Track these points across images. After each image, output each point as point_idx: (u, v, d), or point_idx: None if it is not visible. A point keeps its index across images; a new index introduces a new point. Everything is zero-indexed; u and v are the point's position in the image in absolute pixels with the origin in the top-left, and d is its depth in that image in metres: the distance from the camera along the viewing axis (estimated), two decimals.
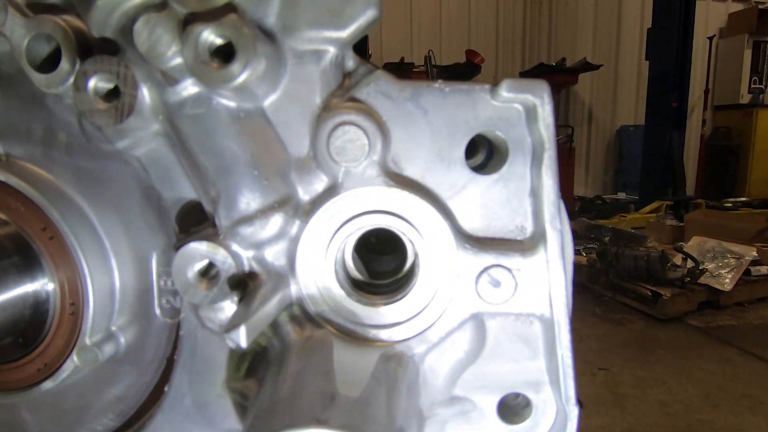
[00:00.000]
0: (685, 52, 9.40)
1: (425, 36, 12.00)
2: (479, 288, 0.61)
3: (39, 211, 0.71)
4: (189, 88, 0.57)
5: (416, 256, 0.64)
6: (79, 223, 0.72)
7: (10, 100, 0.73)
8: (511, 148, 0.62)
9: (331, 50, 0.60)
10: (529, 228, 0.63)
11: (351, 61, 0.63)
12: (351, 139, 0.58)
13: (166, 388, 0.71)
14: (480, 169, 0.66)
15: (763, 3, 11.74)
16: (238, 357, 0.67)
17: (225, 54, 0.53)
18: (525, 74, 12.31)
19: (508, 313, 0.64)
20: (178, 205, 0.65)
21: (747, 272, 6.42)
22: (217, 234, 0.60)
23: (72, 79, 0.64)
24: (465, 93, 0.60)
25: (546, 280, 0.61)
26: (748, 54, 11.29)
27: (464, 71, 11.17)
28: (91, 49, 0.65)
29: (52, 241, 0.71)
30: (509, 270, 0.61)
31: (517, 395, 0.68)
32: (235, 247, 0.59)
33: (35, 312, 0.73)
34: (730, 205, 9.77)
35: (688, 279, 6.24)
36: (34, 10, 0.66)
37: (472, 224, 0.64)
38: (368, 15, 0.58)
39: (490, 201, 0.63)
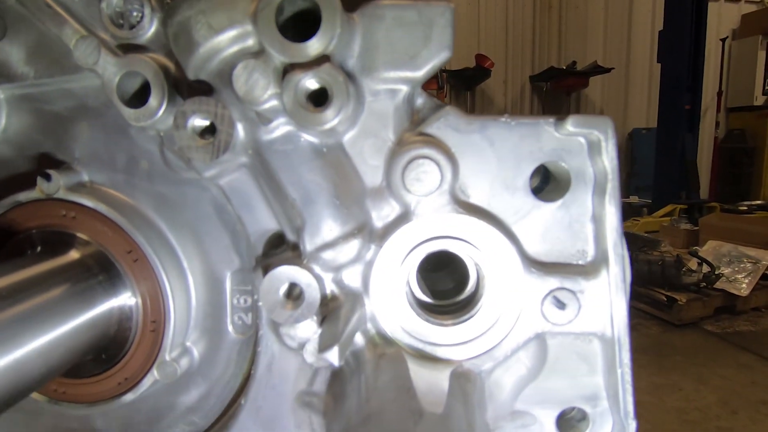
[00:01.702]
0: (697, 54, 9.34)
1: None
2: (544, 309, 0.65)
3: (124, 233, 0.76)
4: (281, 127, 0.62)
5: (481, 278, 0.68)
6: (161, 245, 0.77)
7: (95, 131, 0.79)
8: (573, 177, 0.66)
9: (405, 89, 0.65)
10: (591, 252, 0.67)
11: (420, 98, 0.67)
12: (425, 171, 0.63)
13: (242, 401, 0.75)
14: (536, 193, 0.70)
15: None
16: (312, 372, 0.72)
17: (316, 97, 0.58)
18: (535, 78, 12.32)
19: (569, 332, 0.68)
20: (265, 236, 0.70)
21: (764, 277, 6.35)
22: (300, 257, 0.65)
23: (160, 113, 0.69)
24: (530, 126, 0.65)
25: (607, 301, 0.65)
26: (761, 55, 11.20)
27: (474, 75, 11.19)
28: (179, 86, 0.70)
29: (136, 263, 0.77)
30: (573, 292, 0.65)
31: (574, 409, 0.72)
32: (317, 270, 0.64)
33: (120, 328, 0.78)
34: (745, 208, 9.67)
35: (704, 284, 6.19)
36: (124, 49, 0.72)
37: (535, 248, 0.68)
38: (442, 56, 0.62)
39: (553, 226, 0.67)
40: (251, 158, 0.65)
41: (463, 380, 0.64)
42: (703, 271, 6.27)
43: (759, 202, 10.56)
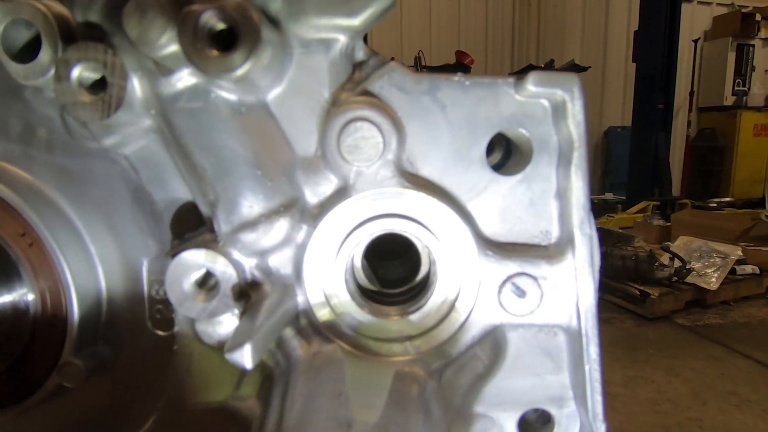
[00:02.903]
0: (671, 54, 9.52)
1: (415, 37, 11.98)
2: (502, 298, 0.57)
3: (16, 214, 0.64)
4: (185, 78, 0.51)
5: (432, 263, 0.59)
6: (62, 227, 0.66)
7: None
8: (535, 147, 0.57)
9: (341, 39, 0.55)
10: (555, 233, 0.59)
11: (361, 52, 0.58)
12: (364, 137, 0.53)
13: (160, 408, 0.65)
14: (496, 170, 0.61)
15: (746, 7, 11.96)
16: (238, 374, 0.62)
17: (225, 40, 0.48)
18: (514, 75, 12.35)
19: (531, 324, 0.59)
20: (172, 207, 0.59)
21: (732, 271, 6.52)
22: (216, 240, 0.55)
23: (53, 70, 0.57)
24: (487, 87, 0.56)
25: (573, 289, 0.57)
26: (731, 57, 11.49)
27: (454, 72, 11.15)
28: (75, 36, 0.58)
29: (31, 247, 0.65)
30: (535, 278, 0.56)
31: (538, 411, 0.64)
32: (236, 254, 0.54)
33: (13, 326, 0.66)
34: (714, 205, 9.93)
35: (676, 278, 6.31)
36: None
37: (492, 229, 0.59)
38: (383, 1, 0.53)
39: (513, 204, 0.58)
40: (156, 120, 0.54)
41: (409, 381, 0.55)
42: (675, 266, 6.39)
43: (728, 199, 10.88)
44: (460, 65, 11.05)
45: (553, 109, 0.56)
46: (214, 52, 0.46)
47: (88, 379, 0.68)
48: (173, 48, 0.48)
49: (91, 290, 0.68)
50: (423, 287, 0.61)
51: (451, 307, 0.58)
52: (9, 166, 0.67)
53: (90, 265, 0.68)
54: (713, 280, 6.33)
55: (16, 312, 0.66)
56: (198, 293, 0.52)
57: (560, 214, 0.58)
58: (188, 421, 0.64)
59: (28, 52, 0.60)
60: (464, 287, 0.58)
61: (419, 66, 10.46)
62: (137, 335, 0.70)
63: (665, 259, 6.54)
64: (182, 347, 0.62)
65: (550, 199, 0.58)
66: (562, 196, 0.57)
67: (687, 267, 6.36)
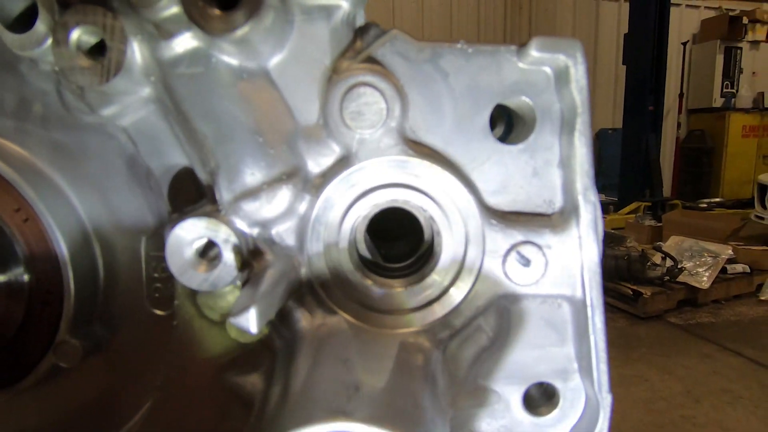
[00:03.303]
0: (660, 57, 9.64)
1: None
2: (507, 267, 0.56)
3: (11, 189, 0.63)
4: (186, 42, 0.50)
5: (436, 234, 0.59)
6: (58, 203, 0.65)
7: None
8: (538, 115, 0.57)
9: (344, 6, 0.54)
10: (558, 202, 0.58)
11: (362, 19, 0.57)
12: (367, 103, 0.53)
13: (160, 387, 0.63)
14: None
15: (733, 10, 12.17)
16: (240, 349, 0.61)
17: (226, 3, 0.47)
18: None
19: (535, 294, 0.59)
20: (169, 174, 0.58)
21: (723, 270, 6.59)
22: (218, 210, 0.54)
23: (50, 40, 0.56)
24: (489, 54, 0.56)
25: (578, 258, 0.57)
26: (720, 59, 11.67)
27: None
28: (71, 4, 0.57)
29: (26, 223, 0.63)
30: (539, 247, 0.56)
31: (543, 384, 0.63)
32: (238, 223, 0.53)
33: (7, 304, 0.65)
34: (705, 205, 10.04)
35: (668, 278, 6.37)
36: None
37: (496, 198, 0.59)
38: None
39: (516, 173, 0.58)
40: (156, 88, 0.54)
41: (414, 351, 0.55)
42: (667, 266, 6.45)
43: (718, 199, 11.01)
44: None
45: (555, 76, 0.56)
46: (216, 11, 0.45)
47: (84, 360, 0.67)
48: (174, 10, 0.47)
49: (88, 268, 0.67)
50: (427, 259, 0.61)
51: (455, 277, 0.58)
52: (4, 141, 0.66)
53: (86, 242, 0.66)
54: (704, 279, 6.40)
55: (11, 290, 0.65)
56: (199, 263, 0.51)
57: (563, 183, 0.58)
58: (188, 399, 0.63)
59: (22, 23, 0.59)
60: (468, 257, 0.57)
61: None
62: (135, 314, 0.69)
63: (657, 258, 6.59)
64: (182, 322, 0.61)
65: (554, 168, 0.58)
66: (566, 164, 0.57)
67: (679, 266, 6.42)
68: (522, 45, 0.55)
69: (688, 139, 12.28)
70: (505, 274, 0.57)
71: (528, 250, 0.56)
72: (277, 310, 0.52)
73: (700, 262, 6.70)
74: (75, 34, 0.49)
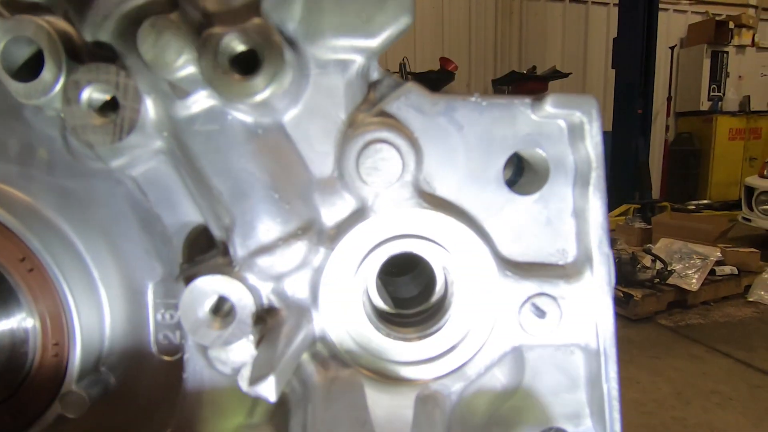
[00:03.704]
0: (648, 61, 9.76)
1: (399, 43, 12.04)
2: (522, 319, 0.57)
3: (16, 239, 0.62)
4: (201, 101, 0.49)
5: (450, 284, 0.59)
6: (64, 251, 0.63)
7: None
8: (551, 166, 0.57)
9: (358, 60, 0.54)
10: (572, 251, 0.59)
11: (376, 72, 0.57)
12: (384, 158, 0.53)
13: None
14: (509, 186, 0.61)
15: (720, 15, 12.37)
16: (251, 400, 0.60)
17: (244, 63, 0.47)
18: (497, 82, 12.54)
19: (549, 344, 0.59)
20: (183, 231, 0.58)
21: (712, 272, 6.67)
22: (230, 265, 0.53)
23: (56, 89, 0.55)
24: (504, 107, 0.56)
25: (591, 308, 0.57)
26: (706, 63, 11.85)
27: (439, 78, 11.27)
28: (80, 55, 0.56)
29: (31, 273, 0.62)
30: (554, 299, 0.56)
31: (552, 429, 0.64)
32: (252, 279, 0.53)
33: (12, 354, 0.63)
34: (693, 207, 10.19)
35: (658, 280, 6.43)
36: (11, 9, 0.57)
37: (510, 248, 0.59)
38: (401, 22, 0.52)
39: (529, 223, 0.58)
40: (168, 142, 0.53)
41: (431, 405, 0.55)
42: (657, 268, 6.52)
43: (706, 201, 11.18)
44: (445, 71, 11.15)
45: (569, 130, 0.56)
46: (236, 76, 0.44)
47: (91, 408, 0.66)
48: (190, 70, 0.46)
49: (94, 316, 0.65)
50: (440, 308, 0.60)
51: (471, 327, 0.58)
52: (8, 188, 0.64)
53: (93, 289, 0.65)
54: (694, 281, 6.48)
55: (15, 340, 0.63)
56: (213, 320, 0.51)
57: (577, 233, 0.58)
58: None
59: (28, 70, 0.57)
60: (483, 308, 0.57)
61: (404, 72, 10.53)
62: (142, 361, 0.68)
63: (647, 261, 6.66)
64: (192, 374, 0.60)
65: (567, 217, 0.58)
66: (579, 215, 0.57)
67: (668, 269, 6.50)
68: (536, 99, 0.55)
69: (677, 142, 12.45)
70: (520, 325, 0.57)
71: (543, 302, 0.56)
72: (294, 368, 0.51)
73: (689, 264, 6.79)
74: (86, 93, 0.49)
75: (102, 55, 0.51)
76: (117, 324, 0.67)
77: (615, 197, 10.27)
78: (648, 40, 9.76)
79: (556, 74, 12.01)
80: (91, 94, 0.49)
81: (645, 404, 4.75)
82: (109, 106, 0.50)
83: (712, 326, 6.19)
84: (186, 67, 0.46)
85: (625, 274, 6.37)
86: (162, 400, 0.69)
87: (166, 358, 0.68)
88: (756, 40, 12.10)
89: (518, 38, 13.22)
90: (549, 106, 0.54)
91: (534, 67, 12.46)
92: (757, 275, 6.70)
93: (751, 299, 6.66)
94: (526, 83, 11.99)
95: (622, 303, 6.25)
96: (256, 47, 0.44)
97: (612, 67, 10.68)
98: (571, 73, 12.15)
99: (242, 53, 0.46)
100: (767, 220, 8.06)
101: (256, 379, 0.44)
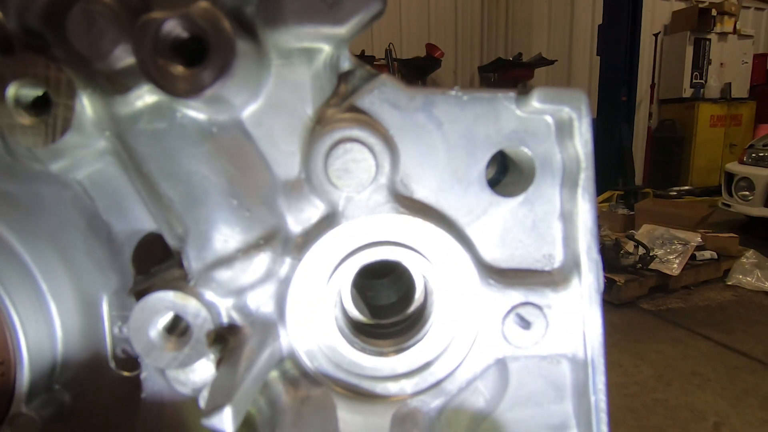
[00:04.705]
0: (633, 48, 9.79)
1: (385, 29, 11.90)
2: (506, 330, 0.53)
3: None
4: (145, 96, 0.44)
5: (429, 293, 0.55)
6: (5, 262, 0.57)
7: None
8: (538, 166, 0.53)
9: (326, 49, 0.49)
10: (559, 256, 0.55)
11: (347, 62, 0.52)
12: (355, 159, 0.48)
13: None
14: (492, 186, 0.57)
15: (703, 2, 12.42)
16: None
17: (190, 51, 0.41)
18: (483, 68, 12.48)
19: (534, 354, 0.55)
20: (134, 239, 0.52)
21: (693, 257, 6.81)
22: (186, 279, 0.48)
23: None
24: (486, 102, 0.51)
25: (579, 317, 0.54)
26: (689, 50, 11.93)
27: (425, 65, 11.16)
28: (9, 44, 0.50)
29: None
30: (540, 308, 0.52)
31: None
32: (209, 295, 0.48)
33: None
34: (675, 193, 10.35)
35: (640, 265, 6.54)
36: None
37: (493, 254, 0.55)
38: (372, 7, 0.47)
39: (514, 227, 0.54)
40: (113, 143, 0.47)
41: (409, 424, 0.51)
42: (639, 254, 6.62)
43: (687, 187, 11.37)
44: (431, 58, 11.04)
45: (557, 127, 0.52)
46: (179, 68, 0.39)
47: (44, 429, 0.61)
48: (129, 61, 0.40)
49: (44, 331, 0.60)
50: (419, 318, 0.56)
51: (451, 340, 0.54)
52: None
53: (41, 303, 0.59)
54: (675, 266, 6.60)
55: None
56: (167, 341, 0.46)
57: (564, 237, 0.54)
58: None
59: None
60: (465, 319, 0.53)
61: (390, 59, 10.39)
62: (99, 377, 0.63)
63: (630, 246, 6.76)
64: (150, 394, 0.55)
65: (554, 221, 0.54)
66: (567, 218, 0.53)
67: (650, 254, 6.60)
68: (521, 93, 0.51)
69: (659, 129, 12.58)
70: (504, 336, 0.53)
71: (528, 312, 0.52)
72: (257, 392, 0.47)
73: (671, 249, 6.90)
74: (12, 89, 0.42)
75: (33, 45, 0.45)
76: (70, 339, 0.61)
77: (599, 184, 10.34)
78: (633, 27, 9.78)
79: (541, 61, 11.99)
80: (18, 90, 0.43)
81: (627, 387, 4.85)
82: (41, 104, 0.44)
83: (692, 310, 6.32)
84: (124, 57, 0.40)
85: (609, 260, 6.46)
86: (123, 417, 0.64)
87: (125, 373, 0.63)
88: (738, 27, 12.21)
89: (504, 25, 13.15)
90: (535, 101, 0.49)
91: (520, 54, 12.42)
92: (736, 260, 6.85)
93: (730, 283, 6.81)
94: (512, 70, 11.96)
95: (605, 288, 6.34)
96: (202, 34, 0.38)
97: (597, 54, 10.69)
98: (556, 60, 12.14)
99: (187, 42, 0.40)
100: (746, 206, 8.22)
101: (210, 410, 0.39)
